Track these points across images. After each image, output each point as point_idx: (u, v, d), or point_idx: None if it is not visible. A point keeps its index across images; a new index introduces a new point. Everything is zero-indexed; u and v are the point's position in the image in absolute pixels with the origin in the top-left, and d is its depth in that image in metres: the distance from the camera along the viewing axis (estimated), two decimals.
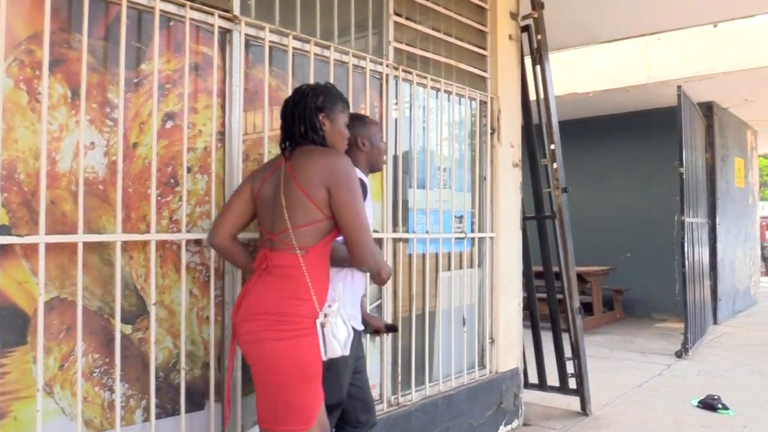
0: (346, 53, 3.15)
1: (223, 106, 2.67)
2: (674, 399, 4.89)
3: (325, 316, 2.08)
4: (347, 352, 2.15)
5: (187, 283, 2.52)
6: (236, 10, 2.68)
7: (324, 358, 2.11)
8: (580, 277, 8.23)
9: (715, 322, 8.47)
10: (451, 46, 3.96)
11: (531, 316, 4.72)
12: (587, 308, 8.32)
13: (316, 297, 2.11)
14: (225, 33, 2.67)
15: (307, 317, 2.08)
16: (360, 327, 2.58)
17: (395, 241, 3.46)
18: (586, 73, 7.96)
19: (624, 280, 8.95)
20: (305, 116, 2.26)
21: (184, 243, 2.47)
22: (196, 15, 2.54)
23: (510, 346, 4.29)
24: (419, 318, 3.63)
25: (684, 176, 6.55)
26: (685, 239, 6.54)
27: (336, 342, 2.09)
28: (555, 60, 8.32)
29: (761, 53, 6.95)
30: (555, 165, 4.41)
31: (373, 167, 2.67)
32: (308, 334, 2.07)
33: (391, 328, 2.87)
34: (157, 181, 2.41)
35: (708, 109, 8.62)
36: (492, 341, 4.18)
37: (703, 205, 7.87)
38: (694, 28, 7.56)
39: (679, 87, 6.58)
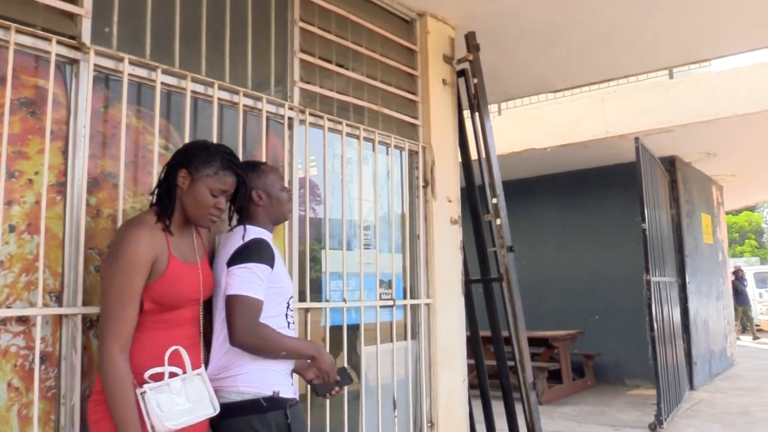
0: (236, 92, 2.71)
1: (65, 152, 2.18)
2: None
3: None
4: (165, 428, 1.79)
5: (6, 372, 1.97)
6: (85, 38, 2.23)
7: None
8: (547, 343, 7.71)
9: (691, 387, 7.93)
10: (376, 91, 3.57)
11: (481, 392, 4.16)
12: (556, 376, 7.75)
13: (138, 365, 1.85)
14: (71, 64, 2.22)
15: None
16: (290, 395, 2.09)
17: (305, 311, 2.93)
18: (543, 127, 7.67)
19: (594, 344, 8.43)
20: (166, 167, 2.03)
21: None
22: (27, 40, 2.08)
23: (453, 429, 3.71)
24: (336, 402, 3.06)
25: (647, 233, 6.17)
26: (652, 299, 6.09)
27: (161, 413, 1.80)
28: (510, 115, 8.09)
29: (719, 104, 6.71)
30: (498, 221, 3.95)
31: (277, 220, 2.30)
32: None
33: (344, 377, 2.27)
34: None
35: (671, 163, 8.35)
36: (431, 425, 3.60)
37: (670, 263, 7.47)
38: (650, 80, 7.39)
39: (636, 139, 6.28)
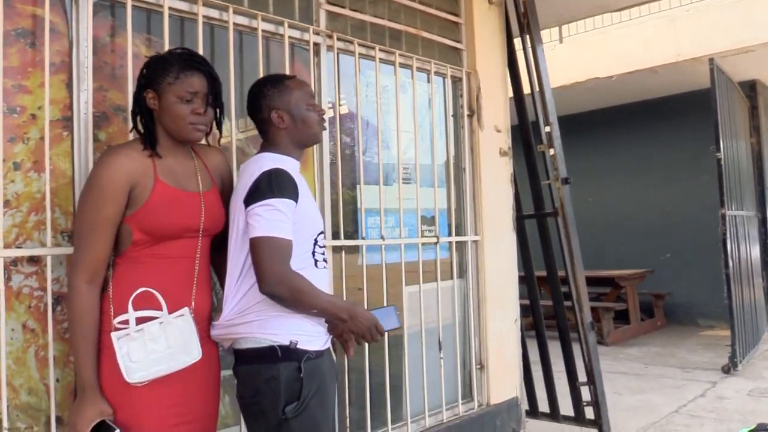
0: (254, 17, 2.51)
1: (69, 85, 2.05)
2: (718, 428, 4.03)
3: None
4: (134, 379, 1.65)
5: (20, 314, 1.91)
6: None
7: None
8: (613, 283, 7.38)
9: None
10: (415, 13, 3.29)
11: (537, 333, 3.96)
12: (623, 316, 7.44)
13: (113, 309, 1.71)
14: None
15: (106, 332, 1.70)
16: (311, 346, 1.83)
17: (336, 249, 2.78)
18: (608, 54, 7.12)
19: (664, 283, 8.01)
20: (133, 99, 1.86)
21: (1, 261, 1.85)
22: None
23: (505, 372, 3.55)
24: (376, 345, 2.93)
25: (722, 163, 5.67)
26: (728, 234, 5.65)
27: (132, 364, 1.66)
28: (572, 42, 7.56)
29: None
30: (552, 151, 3.65)
31: (305, 143, 2.00)
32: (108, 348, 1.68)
33: (391, 321, 1.94)
34: None
35: (751, 88, 7.64)
36: (481, 367, 3.45)
37: (749, 197, 6.92)
38: None
39: (711, 60, 5.71)
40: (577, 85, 7.30)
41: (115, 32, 2.18)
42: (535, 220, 3.91)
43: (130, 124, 2.07)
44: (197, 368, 1.75)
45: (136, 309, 1.68)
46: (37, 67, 1.98)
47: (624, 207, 8.49)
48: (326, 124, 2.19)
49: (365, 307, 2.11)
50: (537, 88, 3.68)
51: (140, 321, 1.67)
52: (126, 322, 1.67)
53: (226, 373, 1.96)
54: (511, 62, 3.82)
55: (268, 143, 1.95)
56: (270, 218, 1.74)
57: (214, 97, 1.83)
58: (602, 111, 8.65)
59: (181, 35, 2.37)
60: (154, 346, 1.66)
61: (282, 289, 1.73)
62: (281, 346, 1.77)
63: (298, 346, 1.78)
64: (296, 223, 1.82)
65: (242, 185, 1.84)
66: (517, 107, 3.85)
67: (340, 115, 2.87)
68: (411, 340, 3.09)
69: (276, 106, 1.92)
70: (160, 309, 1.69)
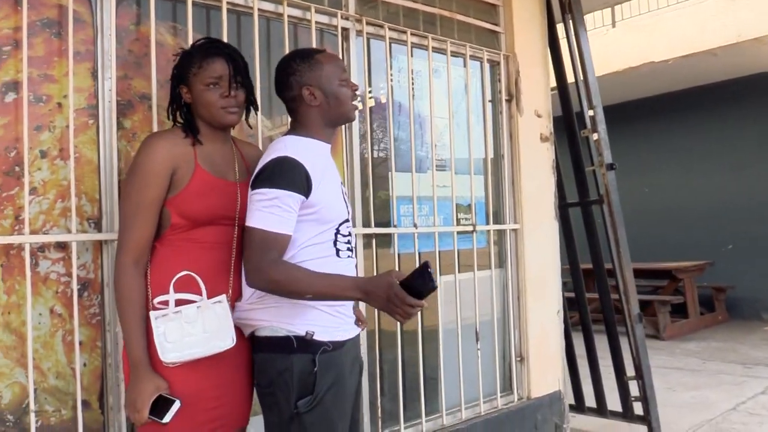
0: (279, 2, 2.48)
1: (94, 73, 2.08)
2: None
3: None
4: (168, 359, 1.64)
5: (47, 299, 1.95)
6: None
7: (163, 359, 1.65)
8: (670, 275, 7.08)
9: None
10: None
11: (582, 325, 3.82)
12: (681, 310, 7.13)
13: (151, 290, 1.72)
14: None
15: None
16: (329, 337, 1.75)
17: (368, 237, 2.73)
18: (663, 37, 6.81)
19: (726, 276, 7.63)
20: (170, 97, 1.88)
21: (28, 247, 1.88)
22: None
23: (546, 364, 3.43)
24: (410, 336, 2.88)
25: None
26: None
27: (167, 344, 1.66)
28: (625, 27, 7.28)
29: None
30: (596, 136, 3.51)
31: (337, 122, 1.88)
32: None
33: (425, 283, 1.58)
34: None
35: None
36: (521, 360, 3.35)
37: None
38: None
39: None
40: (631, 71, 7.02)
41: (140, 21, 2.18)
42: (579, 208, 3.78)
43: (155, 114, 2.10)
44: (230, 354, 1.71)
45: (176, 291, 1.69)
46: (62, 56, 2.00)
47: (682, 196, 8.14)
48: (359, 103, 2.05)
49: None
50: (580, 71, 3.53)
51: (179, 303, 1.68)
52: (165, 303, 1.68)
53: None
54: (552, 45, 3.69)
55: (297, 124, 1.86)
56: (263, 209, 1.67)
57: (242, 78, 1.82)
58: (658, 97, 8.32)
59: (207, 23, 2.36)
60: (191, 329, 1.66)
61: (258, 281, 1.66)
62: (297, 337, 1.70)
63: (314, 338, 1.71)
64: (313, 212, 1.74)
65: (257, 169, 1.80)
66: (560, 91, 3.72)
67: (370, 102, 2.82)
68: (447, 331, 3.02)
69: (306, 82, 1.79)
70: (199, 293, 1.69)
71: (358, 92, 1.95)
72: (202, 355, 1.66)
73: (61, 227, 1.98)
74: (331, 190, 1.82)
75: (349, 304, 1.89)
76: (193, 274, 1.69)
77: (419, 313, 1.92)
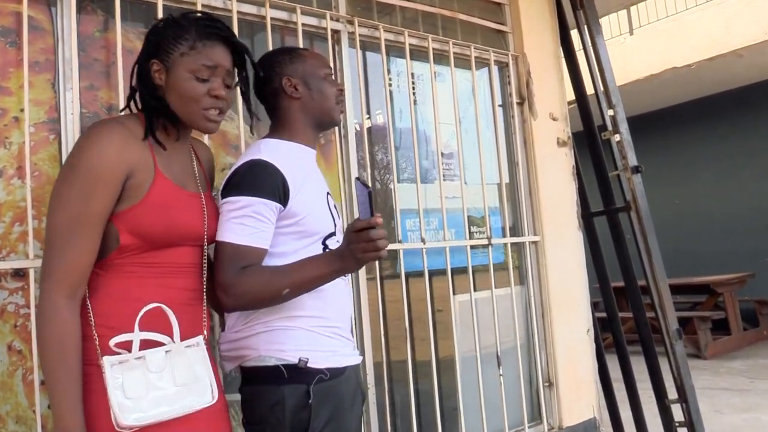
0: (261, 4, 2.30)
1: (54, 84, 1.90)
2: None
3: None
4: (128, 421, 1.22)
5: (5, 334, 1.74)
6: None
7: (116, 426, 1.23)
8: (709, 289, 6.68)
9: None
10: None
11: (617, 345, 3.50)
12: (722, 326, 6.70)
13: (99, 330, 1.31)
14: None
15: (87, 363, 1.29)
16: (325, 363, 1.53)
17: None
18: (684, 41, 6.54)
19: None
20: (136, 64, 1.44)
21: None
22: None
23: (579, 389, 3.12)
24: (424, 365, 2.62)
25: None
26: None
27: (126, 401, 1.24)
28: (644, 33, 7.02)
29: None
30: (618, 137, 3.24)
31: (320, 121, 1.68)
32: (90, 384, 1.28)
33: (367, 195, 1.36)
34: None
35: None
36: (549, 385, 3.04)
37: None
38: None
39: None
40: (653, 78, 6.74)
41: (107, 27, 2.01)
42: (605, 217, 3.49)
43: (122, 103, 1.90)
44: (206, 414, 1.37)
45: (142, 329, 1.29)
46: (19, 67, 1.83)
47: (716, 206, 7.76)
48: (343, 107, 1.82)
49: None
50: (596, 68, 3.29)
51: (142, 346, 1.29)
52: (124, 345, 1.27)
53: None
54: (566, 47, 3.46)
55: (277, 125, 1.67)
56: (233, 219, 1.47)
57: (245, 76, 1.51)
58: (684, 105, 8.01)
59: None
60: (157, 381, 1.28)
61: (230, 300, 1.45)
62: (288, 365, 1.48)
63: (308, 365, 1.48)
64: (293, 223, 1.53)
65: (228, 175, 1.59)
66: (575, 91, 3.47)
67: (365, 107, 2.61)
68: (464, 355, 2.75)
69: (288, 73, 1.63)
70: (169, 334, 1.32)
71: (342, 95, 1.74)
72: (172, 416, 1.28)
73: (19, 253, 1.78)
74: (314, 199, 1.60)
75: (347, 325, 1.66)
76: (164, 306, 1.31)
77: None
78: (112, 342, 1.26)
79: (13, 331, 1.76)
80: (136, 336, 1.27)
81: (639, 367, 3.38)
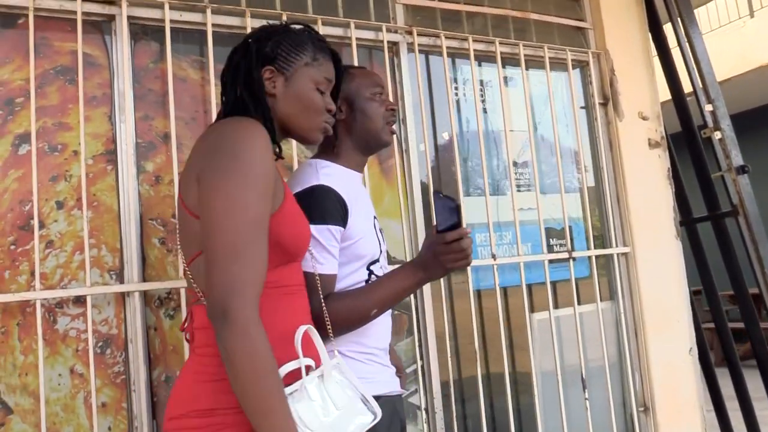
0: (314, 21, 2.28)
1: (111, 117, 1.98)
2: None
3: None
4: None
5: (67, 358, 1.82)
6: None
7: None
8: None
9: None
10: None
11: (728, 363, 3.15)
12: None
13: None
14: (108, 20, 2.00)
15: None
16: (393, 389, 1.54)
17: None
18: None
19: None
20: (240, 71, 1.31)
21: (38, 303, 1.77)
22: (52, 3, 1.91)
23: (680, 414, 2.82)
24: (496, 382, 2.48)
25: None
26: None
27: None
28: (764, 16, 6.35)
29: None
30: (719, 134, 2.92)
31: (368, 143, 1.60)
32: None
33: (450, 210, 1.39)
34: (10, 224, 1.79)
35: None
36: (645, 410, 2.78)
37: None
38: None
39: None
40: None
41: (161, 57, 2.07)
42: (709, 223, 3.15)
43: (174, 154, 1.94)
44: None
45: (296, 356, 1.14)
46: (77, 103, 1.92)
47: None
48: (395, 127, 1.72)
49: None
50: (692, 61, 2.98)
51: (292, 378, 1.13)
52: (292, 375, 1.12)
53: None
54: (657, 37, 3.17)
55: (325, 146, 1.60)
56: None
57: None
58: None
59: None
60: (321, 408, 1.15)
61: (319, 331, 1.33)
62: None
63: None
64: (348, 247, 1.47)
65: None
66: (670, 87, 3.17)
67: (428, 120, 2.51)
68: (545, 378, 2.57)
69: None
70: (316, 357, 1.18)
71: (393, 114, 1.65)
72: None
73: (80, 281, 1.87)
74: (365, 222, 1.54)
75: (384, 352, 1.58)
76: (310, 328, 1.18)
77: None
78: (283, 371, 1.10)
79: (75, 355, 1.84)
80: (303, 362, 1.13)
81: (755, 384, 3.01)
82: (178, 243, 1.24)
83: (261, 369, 1.03)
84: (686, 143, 3.15)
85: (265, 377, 1.03)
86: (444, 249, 1.38)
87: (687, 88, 3.07)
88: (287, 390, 1.09)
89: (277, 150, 1.35)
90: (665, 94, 3.17)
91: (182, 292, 1.94)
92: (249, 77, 1.29)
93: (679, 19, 3.02)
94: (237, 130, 1.16)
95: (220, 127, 1.19)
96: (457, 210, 1.37)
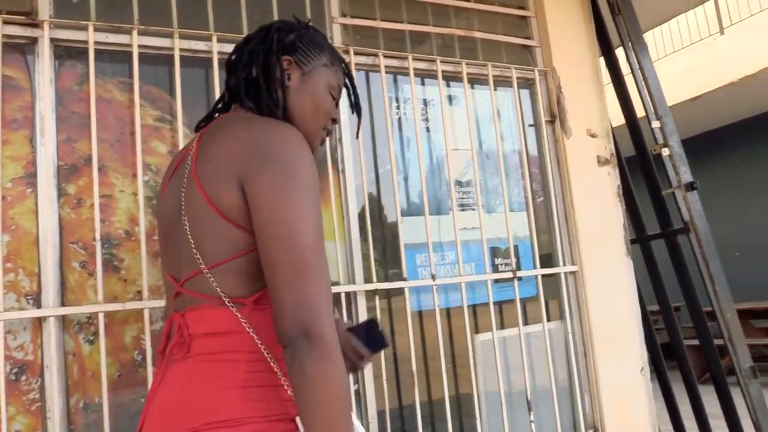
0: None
1: (32, 140, 1.96)
2: None
3: None
4: None
5: None
6: (43, 12, 1.98)
7: None
8: None
9: None
10: (469, 13, 2.85)
11: (686, 384, 3.11)
12: None
13: (287, 379, 1.08)
14: (31, 43, 1.99)
15: (278, 418, 1.04)
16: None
17: (370, 294, 2.36)
18: None
19: None
20: (258, 55, 1.26)
21: None
22: None
23: None
24: (438, 406, 2.43)
25: None
26: None
27: None
28: (735, 32, 6.40)
29: None
30: (666, 151, 2.91)
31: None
32: None
33: (376, 340, 1.43)
34: None
35: None
36: (594, 431, 2.73)
37: None
38: None
39: None
40: (748, 80, 6.11)
41: (85, 79, 2.05)
42: (664, 241, 3.14)
43: (95, 176, 1.92)
44: None
45: None
46: None
47: None
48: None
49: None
50: (639, 74, 2.99)
51: None
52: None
53: None
54: (608, 54, 3.18)
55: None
56: None
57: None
58: None
59: (159, 73, 2.18)
60: None
61: None
62: None
63: None
64: None
65: None
66: (621, 104, 3.18)
67: (367, 140, 2.50)
68: (489, 399, 2.53)
69: None
70: None
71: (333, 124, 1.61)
72: None
73: None
74: None
75: None
76: None
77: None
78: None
79: None
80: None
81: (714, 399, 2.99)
82: (192, 242, 1.12)
83: (342, 397, 0.97)
84: (638, 160, 3.15)
85: (343, 407, 0.97)
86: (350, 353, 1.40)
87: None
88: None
89: None
90: (622, 118, 3.19)
91: (101, 317, 1.90)
92: (267, 63, 1.25)
93: (627, 33, 3.02)
94: (281, 133, 1.10)
95: (258, 127, 1.12)
96: (382, 335, 1.43)
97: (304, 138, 1.18)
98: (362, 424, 1.38)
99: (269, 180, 1.05)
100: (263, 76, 1.24)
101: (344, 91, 1.40)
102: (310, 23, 1.36)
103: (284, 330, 0.99)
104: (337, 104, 1.34)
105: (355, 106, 1.42)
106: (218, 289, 1.10)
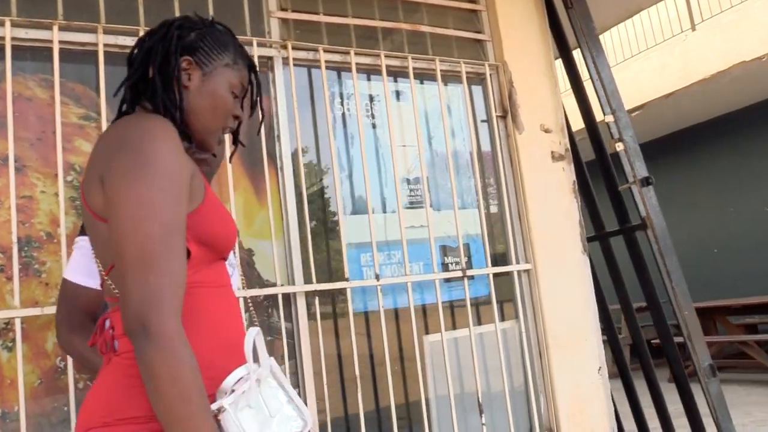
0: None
1: None
2: None
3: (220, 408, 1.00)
4: None
5: None
6: None
7: None
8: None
9: None
10: (418, 6, 2.80)
11: (647, 381, 3.05)
12: None
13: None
14: None
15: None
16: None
17: (311, 295, 2.29)
18: (753, 31, 5.85)
19: None
20: (157, 54, 1.21)
21: None
22: None
23: None
24: (386, 413, 2.36)
25: None
26: None
27: None
28: (706, 28, 6.37)
29: None
30: (621, 146, 2.86)
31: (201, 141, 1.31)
32: None
33: None
34: None
35: None
36: None
37: None
38: None
39: None
40: (720, 76, 6.08)
41: (3, 76, 1.98)
42: (623, 237, 3.08)
43: (12, 176, 1.84)
44: None
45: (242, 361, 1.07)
46: None
47: None
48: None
49: None
50: (593, 68, 2.93)
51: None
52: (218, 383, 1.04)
53: None
54: (562, 46, 3.13)
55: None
56: None
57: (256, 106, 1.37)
58: (757, 107, 7.13)
59: (85, 70, 2.11)
60: (257, 414, 1.05)
61: None
62: None
63: None
64: None
65: None
66: (577, 99, 3.13)
67: (309, 136, 2.43)
68: (439, 403, 2.46)
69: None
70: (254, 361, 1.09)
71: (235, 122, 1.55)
72: None
73: None
74: None
75: None
76: (255, 328, 1.10)
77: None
78: (231, 381, 1.02)
79: None
80: (252, 367, 1.05)
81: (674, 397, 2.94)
82: (93, 251, 1.13)
83: (186, 391, 0.93)
84: (596, 156, 3.10)
85: (190, 400, 0.93)
86: None
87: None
88: (228, 399, 0.99)
89: (187, 143, 1.22)
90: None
91: (17, 322, 1.82)
92: (165, 62, 1.20)
93: (579, 26, 2.97)
94: (142, 126, 1.07)
95: (123, 124, 1.10)
96: None
97: (201, 137, 1.22)
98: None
99: (116, 170, 1.02)
100: (160, 76, 1.20)
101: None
102: (215, 21, 1.30)
103: (125, 323, 0.95)
104: (242, 103, 1.30)
105: (255, 106, 1.37)
106: (115, 292, 1.08)
